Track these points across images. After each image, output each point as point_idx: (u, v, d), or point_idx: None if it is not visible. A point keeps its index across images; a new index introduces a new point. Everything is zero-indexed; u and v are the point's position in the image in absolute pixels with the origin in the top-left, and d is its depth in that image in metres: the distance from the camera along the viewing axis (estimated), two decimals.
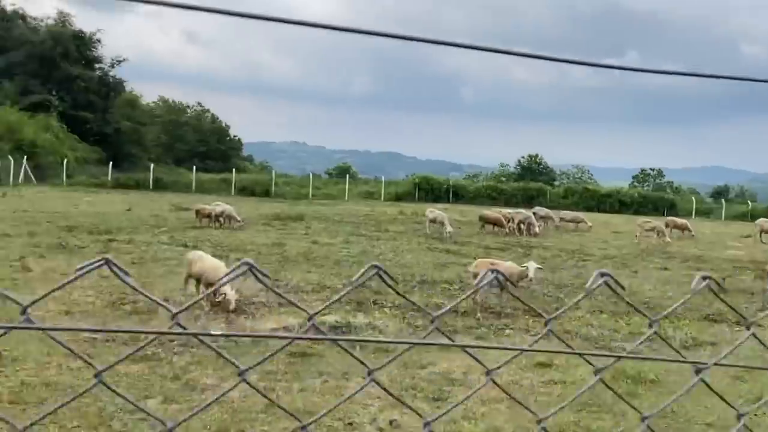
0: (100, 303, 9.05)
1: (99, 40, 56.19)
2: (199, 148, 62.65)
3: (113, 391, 1.18)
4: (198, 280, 9.43)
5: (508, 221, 22.07)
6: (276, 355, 1.61)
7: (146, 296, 1.28)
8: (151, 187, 41.20)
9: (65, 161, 42.71)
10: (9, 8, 55.90)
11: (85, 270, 1.08)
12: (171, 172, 48.02)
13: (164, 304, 1.29)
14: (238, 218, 19.44)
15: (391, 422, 5.37)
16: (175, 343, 7.06)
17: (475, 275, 9.97)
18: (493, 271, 1.42)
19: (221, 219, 19.37)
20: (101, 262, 1.08)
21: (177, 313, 1.22)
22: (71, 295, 9.52)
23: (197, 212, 19.89)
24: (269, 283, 1.17)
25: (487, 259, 10.87)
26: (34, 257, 12.36)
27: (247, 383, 1.27)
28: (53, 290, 1.14)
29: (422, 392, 6.15)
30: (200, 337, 1.34)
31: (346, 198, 42.49)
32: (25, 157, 40.76)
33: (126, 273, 1.14)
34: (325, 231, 20.14)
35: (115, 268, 1.10)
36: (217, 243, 15.87)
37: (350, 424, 5.20)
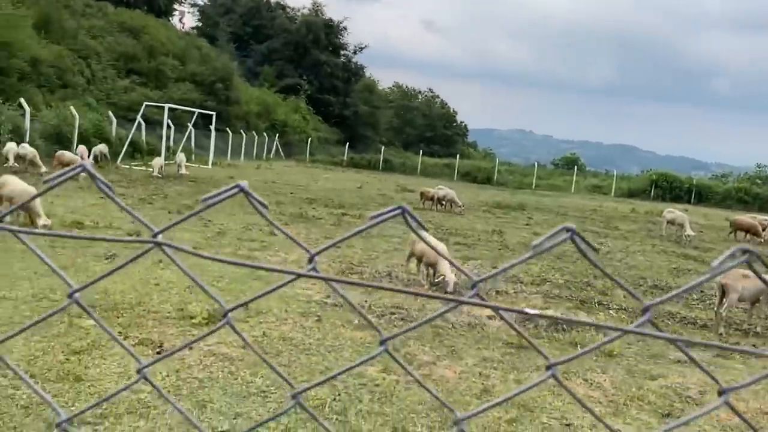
0: (332, 270, 9.69)
1: (345, 28, 60.61)
2: (427, 132, 64.70)
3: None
4: (419, 259, 9.63)
5: (764, 229, 19.27)
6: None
7: (286, 234, 1.18)
8: (380, 167, 43.55)
9: (309, 140, 46.97)
10: (273, 0, 62.70)
11: (217, 199, 0.97)
12: (399, 154, 50.28)
13: (302, 244, 1.15)
14: (459, 203, 19.62)
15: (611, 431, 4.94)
16: (395, 316, 7.28)
17: (723, 286, 8.79)
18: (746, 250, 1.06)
19: (443, 202, 19.71)
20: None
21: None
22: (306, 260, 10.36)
23: (422, 194, 20.47)
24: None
25: (740, 270, 9.52)
26: (280, 223, 13.64)
27: (390, 354, 1.10)
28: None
29: (650, 405, 5.57)
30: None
31: (572, 190, 40.71)
32: (277, 134, 45.62)
33: (263, 204, 1.02)
34: (546, 222, 19.46)
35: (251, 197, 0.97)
36: (438, 225, 16.16)
37: (568, 425, 4.88)
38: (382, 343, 1.24)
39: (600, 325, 1.34)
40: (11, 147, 17.29)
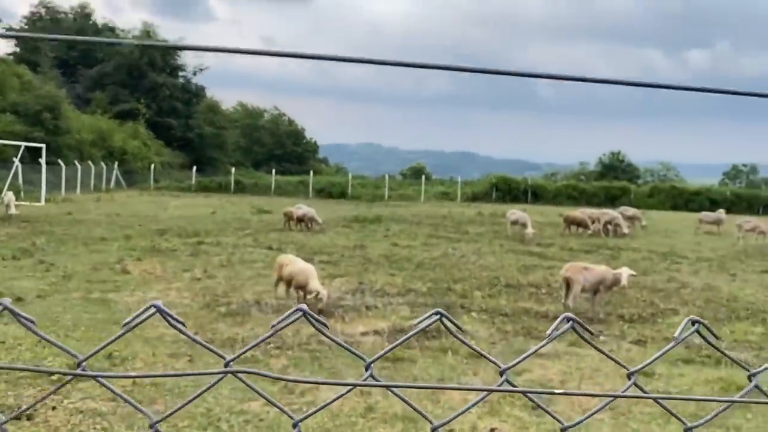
0: (196, 305, 9.35)
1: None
2: (276, 150, 64.22)
3: None
4: (288, 283, 9.59)
5: (593, 222, 21.40)
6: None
7: (200, 343, 1.25)
8: (232, 190, 42.53)
9: (152, 166, 44.72)
10: (100, 21, 59.18)
11: (134, 323, 1.06)
12: (250, 174, 49.38)
13: (213, 348, 1.24)
14: (319, 220, 19.74)
15: (491, 430, 5.27)
16: (271, 345, 7.19)
17: (566, 280, 9.67)
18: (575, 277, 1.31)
19: (304, 221, 19.72)
20: (152, 311, 1.06)
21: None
22: (168, 297, 9.91)
23: (285, 214, 20.27)
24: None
25: (579, 263, 10.52)
26: (131, 260, 12.93)
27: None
28: (107, 343, 1.11)
29: (520, 400, 5.99)
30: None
31: (422, 199, 42.42)
32: (116, 162, 42.94)
33: (179, 321, 1.10)
34: (403, 233, 20.15)
35: (167, 316, 1.07)
36: (301, 245, 16.15)
37: (451, 431, 5.12)
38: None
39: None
40: None
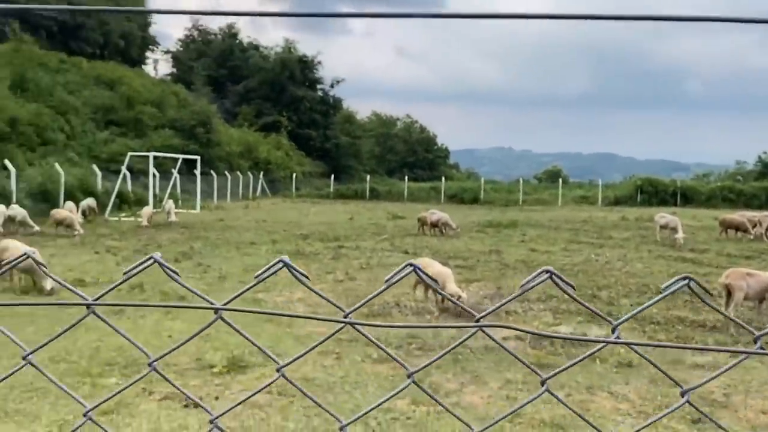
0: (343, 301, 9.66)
1: (320, 63, 61.19)
2: (408, 158, 65.18)
3: None
4: (426, 286, 9.65)
5: (754, 225, 19.55)
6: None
7: (322, 296, 1.26)
8: (367, 197, 43.67)
9: (294, 175, 47.10)
10: (245, 40, 63.32)
11: (264, 276, 1.08)
12: (384, 182, 50.48)
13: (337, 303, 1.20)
14: (454, 225, 19.72)
15: None
16: (413, 346, 7.27)
17: (727, 287, 8.90)
18: (685, 278, 1.16)
19: (438, 226, 19.80)
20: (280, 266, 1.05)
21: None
22: (312, 297, 10.34)
23: (419, 220, 20.52)
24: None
25: (741, 269, 9.64)
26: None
27: (418, 386, 1.19)
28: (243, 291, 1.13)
29: (678, 412, 5.58)
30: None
31: (559, 203, 41.06)
32: (261, 172, 45.68)
33: (303, 275, 1.19)
34: (541, 238, 19.60)
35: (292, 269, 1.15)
36: (436, 250, 16.21)
37: None
38: (409, 376, 1.31)
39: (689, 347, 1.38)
40: (1, 210, 17.16)
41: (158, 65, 61.34)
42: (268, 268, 1.18)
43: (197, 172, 30.55)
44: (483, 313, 1.29)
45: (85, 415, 1.35)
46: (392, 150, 66.02)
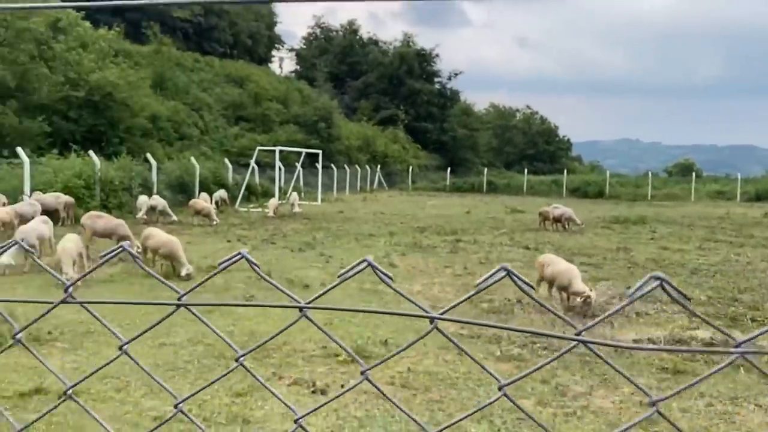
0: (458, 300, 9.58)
1: (437, 56, 61.08)
2: (528, 150, 63.68)
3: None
4: (550, 283, 9.34)
5: None
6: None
7: (405, 297, 1.13)
8: (484, 190, 43.12)
9: (410, 168, 47.42)
10: (365, 36, 64.45)
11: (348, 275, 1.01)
12: (502, 175, 49.66)
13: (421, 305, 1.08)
14: (578, 221, 18.97)
15: None
16: (538, 345, 7.06)
17: None
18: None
19: (561, 221, 19.13)
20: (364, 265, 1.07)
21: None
22: (431, 290, 10.34)
23: (540, 214, 19.97)
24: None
25: None
26: (397, 255, 13.79)
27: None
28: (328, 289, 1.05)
29: None
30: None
31: (692, 198, 38.41)
32: (379, 165, 46.41)
33: (388, 276, 1.14)
34: (673, 235, 18.40)
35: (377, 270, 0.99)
36: (558, 246, 15.67)
37: None
38: (500, 388, 1.20)
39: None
40: (143, 200, 18.60)
41: (283, 63, 63.96)
42: (352, 268, 1.16)
43: (319, 165, 31.55)
44: (585, 327, 1.17)
45: (175, 407, 1.41)
46: (510, 142, 64.75)
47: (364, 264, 1.20)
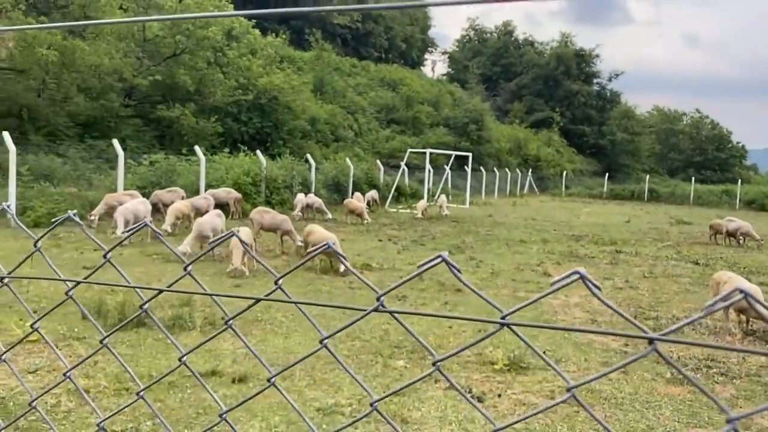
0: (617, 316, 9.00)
1: (597, 56, 58.36)
2: (695, 157, 58.88)
3: None
4: (729, 305, 8.48)
5: None
6: None
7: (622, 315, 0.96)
8: (645, 198, 40.49)
9: (564, 173, 45.68)
10: (521, 37, 63.15)
11: (559, 285, 1.10)
12: (665, 182, 46.39)
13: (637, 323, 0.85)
14: (757, 236, 17.14)
15: None
16: (715, 371, 6.43)
17: None
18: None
19: (736, 236, 17.42)
20: (575, 277, 1.08)
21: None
22: (590, 303, 9.82)
23: (711, 227, 18.35)
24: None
25: None
26: (551, 263, 13.28)
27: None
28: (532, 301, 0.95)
29: None
30: None
31: None
32: (530, 169, 45.24)
33: (597, 287, 1.10)
34: None
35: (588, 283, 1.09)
36: (733, 262, 14.29)
37: None
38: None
39: None
40: (300, 198, 19.57)
41: (435, 66, 64.44)
42: (563, 278, 1.10)
43: (468, 168, 31.38)
44: None
45: (371, 405, 1.41)
46: (676, 148, 60.19)
47: (576, 276, 1.15)
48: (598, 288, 1.14)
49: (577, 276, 1.13)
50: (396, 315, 1.38)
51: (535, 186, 45.19)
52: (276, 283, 1.54)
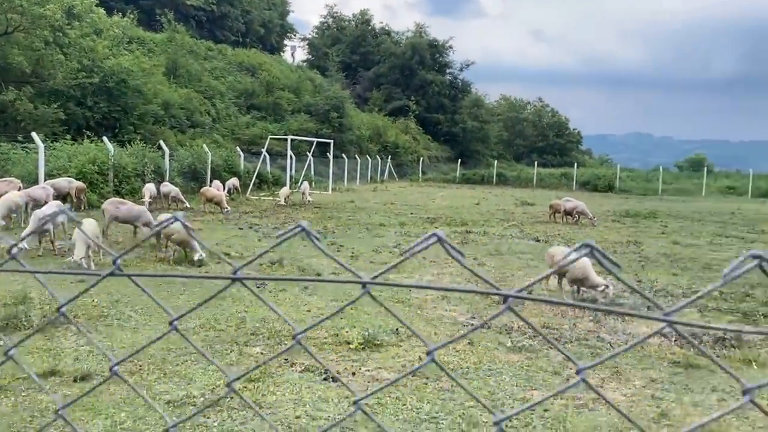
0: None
1: (450, 47, 60.79)
2: (538, 143, 63.39)
3: None
4: (561, 275, 9.33)
5: None
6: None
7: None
8: (494, 182, 43.01)
9: (421, 159, 47.32)
10: (378, 26, 64.19)
11: (419, 247, 1.04)
12: (512, 167, 49.53)
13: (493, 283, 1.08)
14: (590, 214, 18.90)
15: None
16: (550, 336, 7.06)
17: None
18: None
19: (573, 214, 19.08)
20: (433, 240, 1.02)
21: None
22: (442, 280, 10.35)
23: (551, 207, 19.94)
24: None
25: None
26: (407, 245, 13.78)
27: (587, 383, 1.03)
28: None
29: None
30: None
31: (703, 193, 38.14)
32: (389, 156, 46.35)
33: (459, 251, 1.03)
34: (684, 230, 18.32)
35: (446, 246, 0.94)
36: (569, 238, 15.65)
37: None
38: (578, 372, 1.13)
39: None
40: (149, 187, 18.64)
41: (295, 52, 63.78)
42: (421, 242, 1.09)
43: (330, 155, 31.55)
44: (673, 308, 1.16)
45: (228, 385, 1.36)
46: (521, 135, 64.47)
47: (434, 239, 1.13)
48: (460, 253, 1.15)
49: (435, 239, 1.13)
50: (254, 291, 1.40)
51: (394, 172, 46.41)
52: (114, 262, 1.47)
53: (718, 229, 18.68)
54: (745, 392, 0.99)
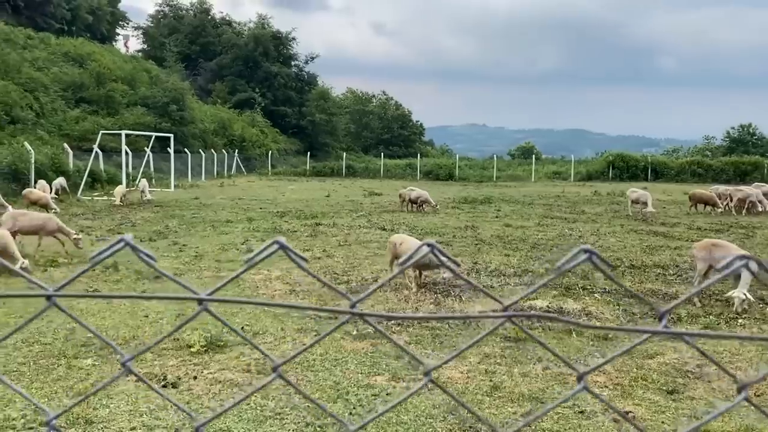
0: (318, 283, 9.65)
1: (294, 39, 60.36)
2: (384, 135, 64.99)
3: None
4: (395, 258, 9.68)
5: (724, 199, 19.93)
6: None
7: (324, 282, 1.20)
8: (344, 174, 43.53)
9: (269, 153, 46.64)
10: (218, 16, 62.09)
11: (258, 258, 0.99)
12: (360, 159, 50.35)
13: (341, 290, 1.18)
14: (433, 202, 19.77)
15: (627, 413, 5.06)
16: (393, 322, 7.31)
17: (697, 258, 9.08)
18: (743, 257, 1.00)
19: (417, 203, 19.85)
20: (275, 247, 1.00)
21: (355, 302, 1.12)
22: (291, 275, 10.32)
23: (400, 196, 20.60)
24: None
25: (709, 239, 9.85)
26: (255, 241, 13.57)
27: (435, 383, 1.16)
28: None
29: (653, 383, 5.72)
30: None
31: (533, 179, 41.36)
32: (236, 150, 45.18)
33: (302, 257, 1.00)
34: (515, 213, 19.78)
35: (289, 253, 0.96)
36: (413, 226, 16.26)
37: (581, 412, 4.98)
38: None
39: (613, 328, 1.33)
40: None
41: (129, 42, 59.82)
42: (262, 251, 1.04)
43: (171, 150, 30.09)
44: (511, 302, 1.22)
45: (48, 424, 1.20)
46: (368, 127, 65.72)
47: (275, 246, 1.04)
48: (304, 259, 1.08)
49: (276, 246, 1.05)
50: (74, 317, 1.28)
51: (242, 166, 45.32)
52: None
53: (545, 212, 20.35)
54: (740, 389, 0.99)
